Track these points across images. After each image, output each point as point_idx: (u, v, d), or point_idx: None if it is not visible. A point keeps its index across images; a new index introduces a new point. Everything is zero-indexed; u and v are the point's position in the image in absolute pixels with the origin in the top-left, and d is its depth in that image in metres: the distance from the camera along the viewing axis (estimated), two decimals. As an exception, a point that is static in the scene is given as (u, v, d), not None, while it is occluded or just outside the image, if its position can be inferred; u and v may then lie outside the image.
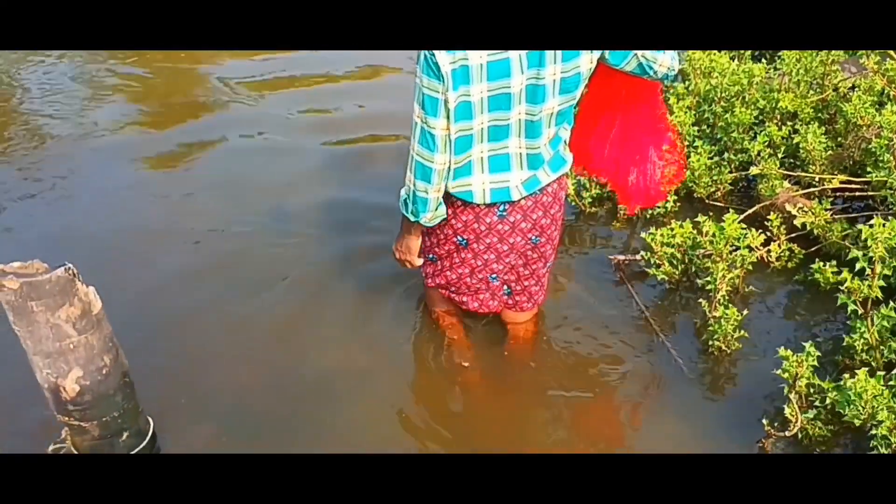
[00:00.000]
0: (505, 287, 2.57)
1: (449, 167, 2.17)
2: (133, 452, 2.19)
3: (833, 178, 3.06)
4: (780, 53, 3.32)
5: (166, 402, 2.45)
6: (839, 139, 3.18)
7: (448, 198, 2.28)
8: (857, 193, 3.10)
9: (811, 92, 3.36)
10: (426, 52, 1.98)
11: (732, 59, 3.51)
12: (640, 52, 2.11)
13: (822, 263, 2.75)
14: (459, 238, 2.39)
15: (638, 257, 2.96)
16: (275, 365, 2.65)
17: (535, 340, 2.73)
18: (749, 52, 3.41)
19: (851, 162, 3.14)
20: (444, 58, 1.97)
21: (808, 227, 2.93)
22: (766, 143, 3.13)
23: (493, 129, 2.13)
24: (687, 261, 2.86)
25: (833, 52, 3.29)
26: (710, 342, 2.58)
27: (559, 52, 2.02)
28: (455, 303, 2.64)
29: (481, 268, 2.46)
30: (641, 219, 3.30)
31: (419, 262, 2.45)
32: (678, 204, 3.25)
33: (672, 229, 2.82)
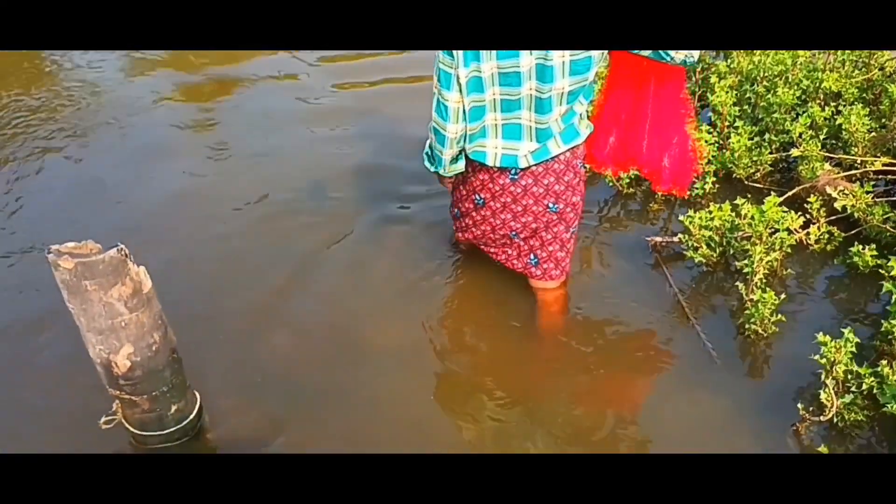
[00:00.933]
0: (532, 256, 2.68)
1: (464, 135, 2.41)
2: (181, 426, 2.28)
3: (875, 161, 3.02)
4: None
5: (210, 372, 2.54)
6: (883, 120, 3.13)
7: (467, 157, 2.50)
8: (901, 176, 3.06)
9: (856, 72, 3.30)
10: None
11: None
12: None
13: (861, 247, 2.73)
14: (477, 196, 2.58)
15: (675, 239, 2.95)
16: (314, 336, 2.73)
17: (564, 313, 2.79)
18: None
19: (895, 144, 3.09)
20: None
21: (849, 210, 2.90)
22: (808, 125, 3.09)
23: (504, 101, 2.33)
24: (725, 243, 2.85)
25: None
26: (747, 326, 2.58)
27: None
28: (484, 252, 2.81)
29: (500, 226, 2.62)
30: (679, 200, 3.28)
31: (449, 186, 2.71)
32: (717, 185, 3.23)
33: (710, 212, 2.81)
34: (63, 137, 3.95)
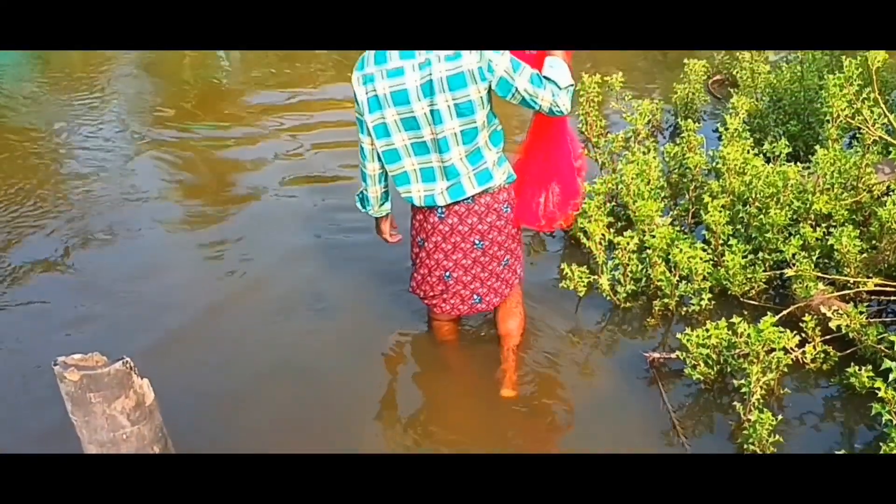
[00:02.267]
0: (475, 297, 2.97)
1: (383, 174, 2.83)
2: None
3: (868, 281, 3.07)
4: (814, 157, 3.37)
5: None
6: (874, 242, 3.21)
7: (413, 206, 2.87)
8: (893, 297, 3.11)
9: (845, 194, 3.40)
10: (352, 84, 2.63)
11: (767, 161, 3.58)
12: (521, 87, 2.55)
13: (857, 368, 2.75)
14: (419, 239, 2.93)
15: (673, 356, 2.98)
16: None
17: (518, 361, 3.09)
18: (783, 154, 3.46)
19: (886, 265, 3.16)
20: (359, 89, 2.63)
21: (844, 331, 2.93)
22: (801, 245, 3.16)
23: (414, 145, 2.67)
24: (722, 361, 2.88)
25: (867, 155, 3.34)
26: (745, 446, 2.58)
27: (445, 83, 2.52)
28: (432, 309, 3.09)
29: (434, 266, 2.91)
30: (676, 315, 3.33)
31: (392, 238, 3.06)
32: (712, 302, 3.28)
33: (707, 330, 2.85)
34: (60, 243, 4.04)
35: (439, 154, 2.67)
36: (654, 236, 3.31)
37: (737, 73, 4.78)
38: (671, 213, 3.73)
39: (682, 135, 3.86)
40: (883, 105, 3.23)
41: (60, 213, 4.31)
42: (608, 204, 3.68)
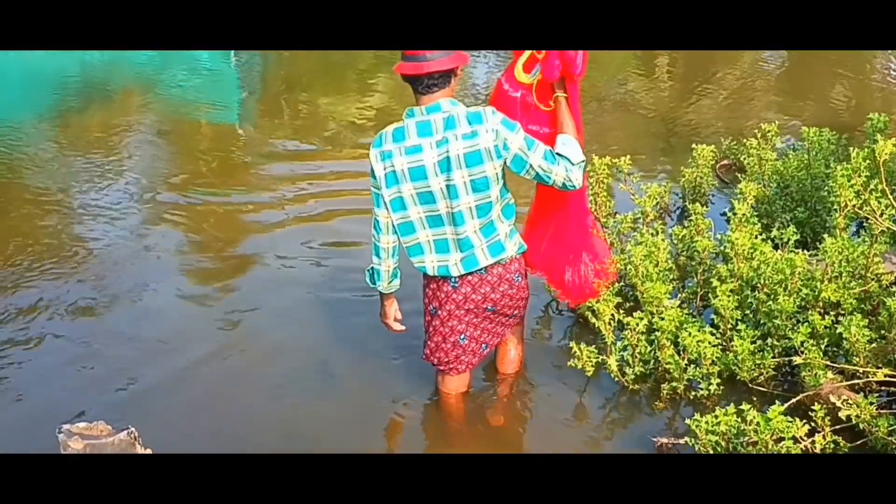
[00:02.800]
0: (483, 345, 3.11)
1: (395, 248, 2.93)
2: None
3: (877, 372, 3.04)
4: (821, 245, 3.39)
5: None
6: (883, 332, 3.19)
7: (423, 277, 2.99)
8: (904, 388, 3.08)
9: (854, 283, 3.40)
10: (370, 159, 2.79)
11: (775, 247, 3.59)
12: (535, 164, 2.71)
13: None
14: (432, 307, 3.01)
15: (682, 441, 2.93)
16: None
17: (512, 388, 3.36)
18: (792, 241, 3.48)
19: (896, 356, 3.14)
20: (377, 165, 2.78)
21: (854, 421, 2.89)
22: (810, 333, 3.15)
23: (429, 218, 2.81)
24: (731, 449, 2.83)
25: (875, 244, 3.35)
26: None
27: (463, 160, 2.67)
28: (444, 374, 3.19)
29: (449, 333, 3.00)
30: (684, 399, 3.30)
31: (396, 326, 3.14)
32: (721, 387, 3.25)
33: (716, 416, 2.81)
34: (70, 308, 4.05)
35: (454, 227, 2.81)
36: (662, 318, 3.30)
37: (744, 159, 4.84)
38: (679, 295, 3.72)
39: (691, 218, 3.89)
40: (890, 196, 3.27)
41: (74, 269, 4.36)
42: (616, 284, 3.67)
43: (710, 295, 3.48)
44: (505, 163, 2.73)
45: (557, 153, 2.75)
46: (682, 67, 9.48)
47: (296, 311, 4.02)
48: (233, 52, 9.98)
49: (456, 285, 2.93)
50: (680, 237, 3.87)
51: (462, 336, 3.04)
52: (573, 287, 3.31)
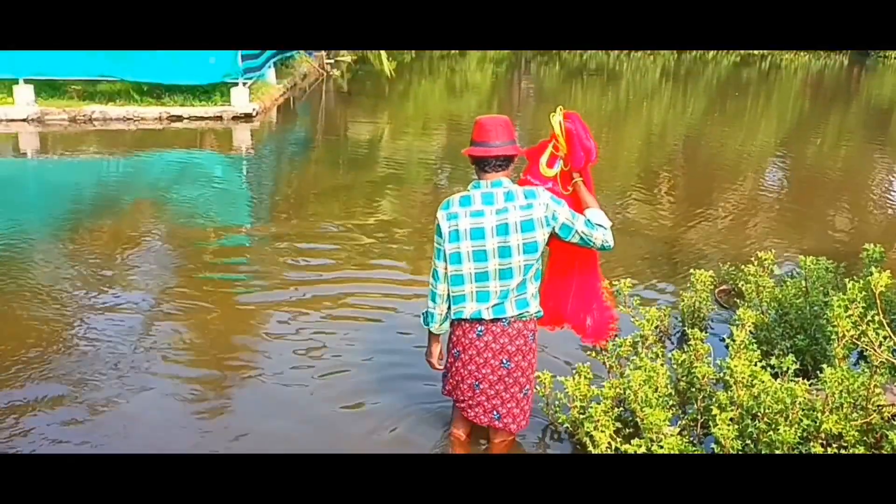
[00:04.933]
0: (495, 413, 3.47)
1: (448, 295, 3.39)
2: None
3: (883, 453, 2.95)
4: (821, 374, 3.36)
5: None
6: (887, 466, 3.11)
7: (452, 323, 3.46)
8: (911, 527, 2.97)
9: (855, 414, 3.35)
10: (437, 218, 3.34)
11: (775, 376, 3.56)
12: (579, 230, 3.29)
13: None
14: (456, 350, 3.46)
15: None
16: None
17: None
18: (791, 370, 3.45)
19: (902, 492, 3.04)
20: (444, 224, 3.32)
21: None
22: (812, 465, 3.07)
23: (477, 274, 3.31)
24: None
25: (875, 376, 3.32)
26: None
27: (519, 226, 3.24)
28: (459, 410, 3.62)
29: (467, 375, 3.44)
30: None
31: (438, 365, 3.59)
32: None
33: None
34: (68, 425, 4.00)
35: (499, 281, 3.31)
36: (662, 447, 3.24)
37: (742, 285, 4.87)
38: (680, 422, 3.66)
39: (690, 342, 3.88)
40: (888, 328, 3.26)
41: (73, 369, 4.33)
42: (615, 409, 3.63)
43: (710, 423, 3.43)
44: (553, 231, 3.29)
45: (594, 222, 3.36)
46: (683, 191, 9.68)
47: (285, 430, 3.96)
48: (245, 168, 10.34)
49: (480, 334, 3.37)
50: (679, 362, 3.85)
51: (477, 383, 3.44)
52: (594, 330, 3.79)
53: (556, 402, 3.89)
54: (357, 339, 4.96)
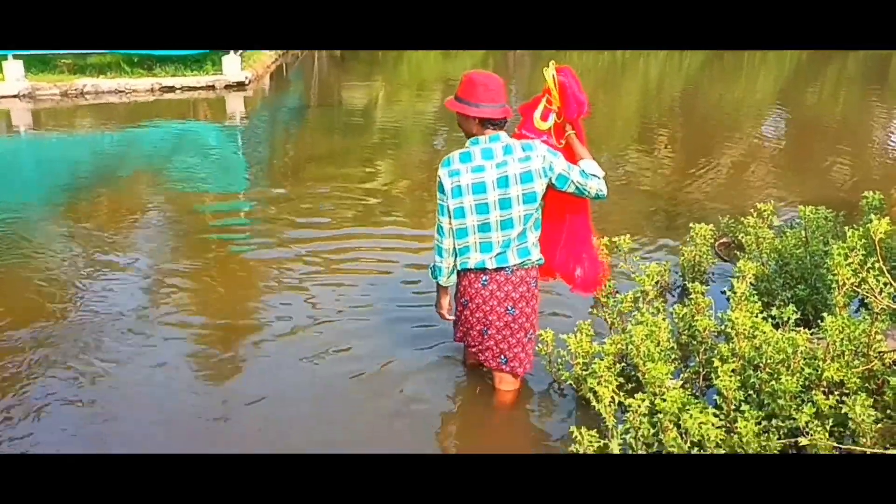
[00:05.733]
0: (502, 357, 3.69)
1: (454, 249, 3.57)
2: None
3: (885, 452, 2.98)
4: (822, 323, 3.37)
5: None
6: (889, 411, 3.14)
7: (458, 274, 3.64)
8: (913, 470, 3.00)
9: (856, 361, 3.37)
10: (440, 176, 3.48)
11: (776, 325, 3.57)
12: (575, 180, 3.44)
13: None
14: (464, 300, 3.64)
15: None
16: None
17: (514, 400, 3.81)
18: (792, 320, 3.47)
19: (904, 436, 3.07)
20: (447, 181, 3.46)
21: (864, 505, 2.81)
22: (814, 413, 3.10)
23: (480, 225, 3.49)
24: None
25: (876, 322, 3.33)
26: None
27: (518, 178, 3.40)
28: (471, 354, 3.89)
29: (476, 322, 3.65)
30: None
31: (448, 316, 3.82)
32: (727, 469, 3.18)
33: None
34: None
35: (501, 231, 3.48)
36: (665, 400, 3.26)
37: (742, 237, 4.87)
38: (682, 375, 3.69)
39: (691, 296, 3.89)
40: (888, 274, 3.27)
41: (73, 347, 4.33)
42: (618, 365, 3.65)
43: (712, 375, 3.45)
44: (550, 181, 3.44)
45: (588, 172, 3.50)
46: (682, 144, 9.64)
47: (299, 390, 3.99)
48: (240, 137, 10.27)
49: (486, 283, 3.56)
50: (681, 316, 3.86)
51: (486, 329, 3.63)
52: (583, 281, 3.90)
53: (559, 360, 3.91)
54: (364, 292, 5.03)
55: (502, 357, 3.70)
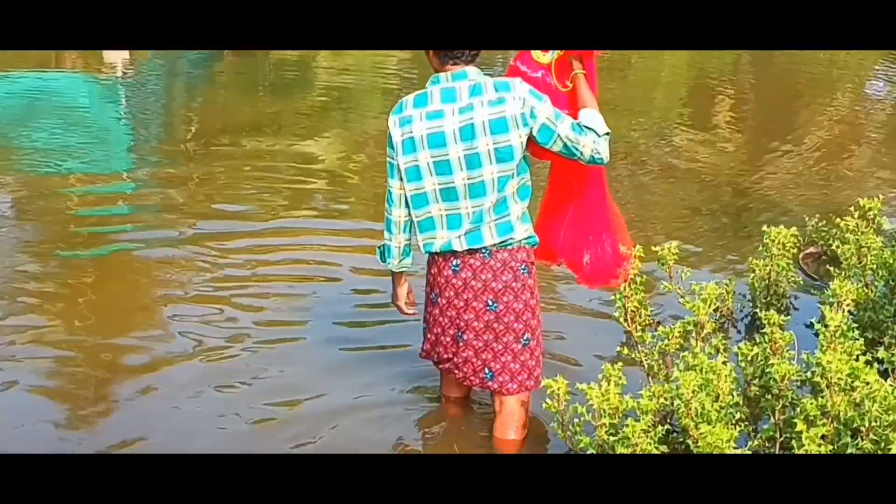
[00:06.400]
0: (486, 370, 3.71)
1: (409, 222, 3.68)
2: None
3: None
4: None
5: None
6: None
7: (427, 261, 3.77)
8: None
9: None
10: (388, 126, 3.58)
11: (884, 374, 3.56)
12: (563, 134, 3.47)
13: None
14: (433, 295, 3.76)
15: None
16: None
17: (517, 431, 3.85)
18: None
19: None
20: (395, 131, 3.55)
21: None
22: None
23: (443, 190, 3.54)
24: None
25: None
26: None
27: (488, 127, 3.44)
28: (444, 374, 3.99)
29: (448, 324, 3.71)
30: None
31: (407, 309, 3.96)
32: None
33: None
34: None
35: (471, 199, 3.53)
36: (725, 478, 3.24)
37: (837, 246, 4.87)
38: (750, 443, 3.67)
39: (764, 331, 3.87)
40: None
41: None
42: (660, 427, 3.62)
43: (793, 443, 3.44)
44: (531, 133, 3.47)
45: (584, 125, 3.53)
46: (752, 116, 9.68)
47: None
48: (123, 96, 10.22)
49: (457, 269, 3.62)
50: (749, 358, 3.84)
51: (460, 332, 3.68)
52: (592, 271, 3.99)
53: (577, 421, 3.87)
54: (298, 303, 5.12)
55: (486, 371, 3.72)
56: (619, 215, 4.07)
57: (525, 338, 3.71)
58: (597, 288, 4.27)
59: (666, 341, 3.99)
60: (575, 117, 3.65)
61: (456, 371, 3.80)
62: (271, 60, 12.39)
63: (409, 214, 3.67)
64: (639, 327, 4.15)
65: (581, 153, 3.53)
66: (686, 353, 3.85)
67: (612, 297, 4.18)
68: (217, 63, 12.20)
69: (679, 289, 4.30)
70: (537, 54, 3.80)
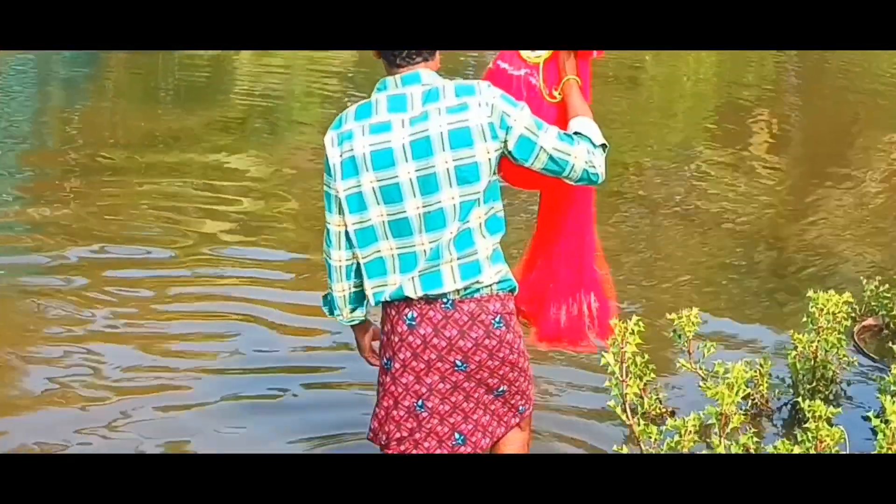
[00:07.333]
0: (455, 434, 3.61)
1: (351, 268, 3.62)
2: None
3: None
4: None
5: None
6: None
7: (382, 316, 3.65)
8: None
9: None
10: (324, 145, 3.53)
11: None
12: (547, 146, 3.42)
13: None
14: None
15: None
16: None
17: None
18: None
19: None
20: (333, 151, 3.49)
21: None
22: None
23: (393, 223, 3.48)
24: None
25: None
26: None
27: (447, 139, 3.37)
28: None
29: (402, 394, 3.59)
30: None
31: (373, 359, 3.80)
32: None
33: None
34: None
35: (427, 233, 3.47)
36: None
37: (900, 317, 4.92)
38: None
39: (807, 425, 3.89)
40: None
41: None
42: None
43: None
44: (505, 148, 3.42)
45: (576, 134, 3.52)
46: (793, 146, 9.77)
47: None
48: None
49: (412, 323, 3.52)
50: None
51: (419, 402, 3.57)
52: (554, 327, 4.01)
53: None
54: (208, 349, 5.19)
55: (456, 435, 3.63)
56: (602, 262, 4.09)
57: (501, 390, 3.63)
58: (554, 349, 4.31)
59: (677, 438, 4.00)
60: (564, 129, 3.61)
61: (414, 451, 3.63)
62: (177, 59, 12.40)
63: (354, 255, 3.60)
64: (641, 421, 4.16)
65: (572, 167, 3.48)
66: (706, 451, 3.87)
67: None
68: (106, 60, 12.19)
69: (700, 369, 4.32)
70: (526, 53, 3.81)
